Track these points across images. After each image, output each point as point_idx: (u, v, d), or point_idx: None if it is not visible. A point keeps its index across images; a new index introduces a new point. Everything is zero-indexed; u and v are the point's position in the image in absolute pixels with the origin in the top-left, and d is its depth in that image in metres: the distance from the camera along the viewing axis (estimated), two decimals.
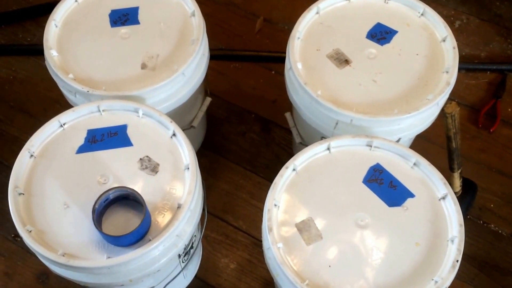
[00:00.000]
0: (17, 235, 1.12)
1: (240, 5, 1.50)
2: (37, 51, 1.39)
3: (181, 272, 0.90)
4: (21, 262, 1.11)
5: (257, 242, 1.10)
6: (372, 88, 0.86)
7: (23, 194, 0.77)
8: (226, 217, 1.14)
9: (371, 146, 0.79)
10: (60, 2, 0.97)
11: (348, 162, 0.78)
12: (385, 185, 0.75)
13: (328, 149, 0.79)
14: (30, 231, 0.74)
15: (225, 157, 1.22)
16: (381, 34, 0.93)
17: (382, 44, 0.92)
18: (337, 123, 0.84)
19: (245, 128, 1.27)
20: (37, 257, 1.08)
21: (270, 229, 0.71)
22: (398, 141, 0.86)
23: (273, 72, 1.36)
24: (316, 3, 0.96)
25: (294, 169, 0.77)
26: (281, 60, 1.33)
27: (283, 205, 0.75)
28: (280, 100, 1.30)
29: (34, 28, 1.47)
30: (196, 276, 1.06)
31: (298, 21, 0.93)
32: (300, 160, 0.78)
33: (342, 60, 0.89)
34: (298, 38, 0.92)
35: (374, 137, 0.78)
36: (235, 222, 1.13)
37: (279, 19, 1.46)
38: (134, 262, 0.72)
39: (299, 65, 0.88)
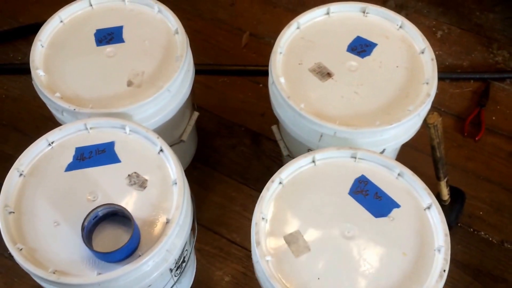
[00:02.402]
0: None
1: (227, 20, 1.52)
2: (28, 70, 1.39)
3: (174, 286, 0.90)
4: (18, 279, 1.11)
5: (250, 255, 1.10)
6: (354, 100, 0.88)
7: (13, 212, 0.78)
8: (220, 230, 1.15)
9: (355, 157, 0.80)
10: (46, 22, 0.98)
11: (333, 174, 0.79)
12: (370, 196, 0.76)
13: (313, 161, 0.80)
14: (21, 249, 0.74)
15: (217, 170, 1.23)
16: (361, 47, 0.94)
17: (362, 57, 0.93)
18: (321, 136, 0.85)
19: (236, 141, 1.28)
20: None
21: (258, 243, 0.72)
22: (383, 152, 0.87)
23: (260, 85, 1.37)
24: (296, 18, 0.97)
25: (280, 182, 0.79)
26: (268, 73, 1.35)
27: (270, 218, 0.76)
28: (268, 113, 1.31)
29: (24, 47, 1.48)
30: None
31: (279, 36, 0.95)
32: (286, 173, 0.79)
33: (324, 74, 0.91)
34: (280, 53, 0.93)
35: (358, 149, 0.80)
36: (229, 234, 1.14)
37: (264, 33, 1.48)
38: (125, 278, 0.72)
39: (282, 80, 0.89)
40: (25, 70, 1.41)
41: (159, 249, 0.73)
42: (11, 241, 0.75)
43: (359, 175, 0.79)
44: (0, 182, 1.21)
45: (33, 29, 1.45)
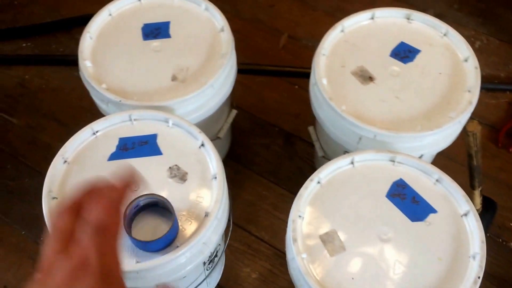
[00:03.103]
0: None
1: (266, 22, 1.53)
2: (69, 61, 1.44)
3: (205, 280, 0.92)
4: None
5: (279, 253, 1.12)
6: (395, 105, 0.88)
7: (56, 198, 0.80)
8: (249, 227, 1.16)
9: (394, 161, 0.81)
10: (95, 15, 1.01)
11: (371, 177, 0.80)
12: (408, 200, 0.77)
13: (352, 163, 0.81)
14: None
15: (249, 168, 1.25)
16: (404, 52, 0.95)
17: (405, 63, 0.94)
18: (360, 138, 0.86)
19: (269, 141, 1.29)
20: None
21: (295, 240, 0.74)
22: (420, 157, 0.87)
23: (296, 86, 1.38)
24: (341, 21, 0.98)
25: (318, 182, 0.80)
26: (304, 75, 1.36)
27: (307, 216, 0.77)
28: (303, 114, 1.33)
29: (66, 39, 1.51)
30: (218, 284, 1.08)
31: (324, 38, 0.96)
32: (325, 173, 0.80)
33: (366, 77, 0.91)
34: (323, 54, 0.94)
35: (398, 153, 0.80)
36: (258, 232, 1.15)
37: (302, 35, 1.49)
38: (162, 268, 0.74)
39: (324, 81, 0.90)
40: (65, 61, 1.46)
41: (197, 241, 0.75)
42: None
43: (397, 178, 0.79)
44: (37, 170, 1.27)
45: (76, 22, 1.50)
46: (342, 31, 0.98)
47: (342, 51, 0.96)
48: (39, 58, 1.47)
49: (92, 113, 1.30)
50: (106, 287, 0.35)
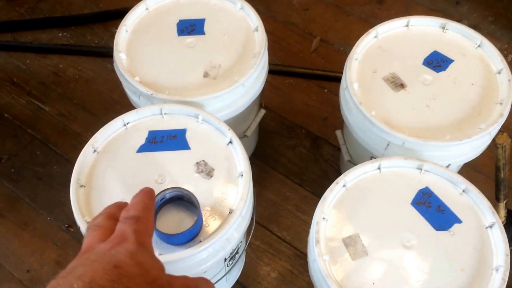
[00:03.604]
0: (70, 225, 1.19)
1: (299, 24, 1.54)
2: (103, 53, 1.47)
3: (225, 276, 0.93)
4: (73, 252, 1.16)
5: (299, 254, 1.13)
6: (425, 113, 0.88)
7: (84, 186, 0.82)
8: (271, 226, 1.17)
9: (421, 169, 0.80)
10: (132, 9, 1.02)
11: (397, 183, 0.80)
12: (433, 209, 0.76)
13: (379, 168, 0.81)
14: (88, 222, 0.77)
15: (274, 168, 1.26)
16: (437, 61, 0.95)
17: (437, 72, 0.93)
18: (388, 144, 0.86)
19: (295, 142, 1.30)
20: None
21: (317, 242, 0.74)
22: (447, 167, 0.87)
23: (325, 90, 1.39)
24: (376, 27, 0.98)
25: (344, 185, 0.80)
26: (334, 79, 1.37)
27: (331, 219, 0.77)
28: (331, 118, 1.33)
29: (102, 31, 1.54)
30: (237, 281, 1.09)
31: (357, 43, 0.96)
32: (351, 177, 0.80)
33: (397, 84, 0.91)
34: (356, 59, 0.94)
35: (425, 161, 0.80)
36: (279, 232, 1.16)
37: (335, 40, 1.50)
38: (184, 261, 0.75)
39: (355, 85, 0.91)
40: (100, 53, 1.48)
41: (219, 237, 0.76)
42: (79, 213, 0.78)
43: (424, 186, 0.79)
44: (66, 157, 1.29)
45: (112, 15, 1.52)
46: (376, 36, 0.98)
47: (375, 56, 0.96)
48: (74, 49, 1.50)
49: (122, 105, 1.33)
50: (141, 248, 0.40)
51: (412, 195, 0.78)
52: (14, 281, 1.13)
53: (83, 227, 0.77)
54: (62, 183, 1.25)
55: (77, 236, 1.18)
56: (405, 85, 0.91)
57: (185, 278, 0.42)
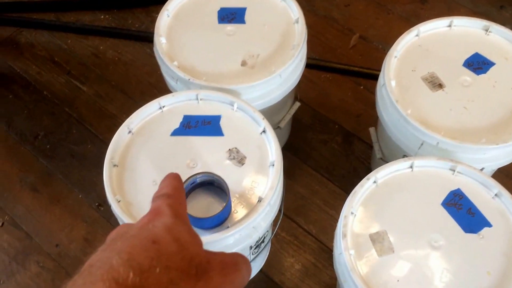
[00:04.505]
0: (101, 204, 1.21)
1: (339, 20, 1.53)
2: (143, 37, 1.49)
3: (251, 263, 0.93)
4: (101, 231, 1.18)
5: (324, 248, 1.13)
6: (462, 115, 0.87)
7: (117, 166, 0.83)
8: (298, 219, 1.17)
9: (454, 170, 0.80)
10: None
11: (429, 183, 0.79)
12: (463, 211, 0.76)
13: (411, 167, 0.81)
14: (119, 201, 0.79)
15: (304, 161, 1.26)
16: (478, 64, 0.93)
17: (478, 74, 0.92)
18: (422, 144, 0.85)
19: (328, 137, 1.30)
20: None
21: (344, 235, 0.74)
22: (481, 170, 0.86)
23: (361, 87, 1.38)
24: (418, 25, 0.97)
25: (374, 182, 0.80)
26: (371, 76, 1.36)
27: (359, 214, 0.77)
28: (365, 115, 1.32)
29: (143, 16, 1.56)
30: (261, 270, 1.10)
31: (397, 41, 0.95)
32: (382, 174, 0.80)
33: (435, 84, 0.90)
34: (395, 56, 0.94)
35: (459, 162, 0.79)
36: (306, 225, 1.16)
37: (374, 38, 1.48)
38: (210, 246, 0.76)
39: (393, 83, 0.90)
40: (140, 37, 1.50)
41: (247, 225, 0.76)
42: (111, 191, 0.80)
43: (455, 188, 0.78)
44: (100, 138, 1.32)
45: (155, 0, 1.54)
46: (417, 35, 0.97)
47: (415, 55, 0.95)
48: (115, 31, 1.52)
49: (158, 89, 1.34)
50: (178, 221, 0.41)
51: (443, 196, 0.77)
52: (43, 254, 1.16)
53: (114, 205, 0.79)
54: (95, 163, 1.28)
55: (107, 215, 1.20)
56: (443, 86, 0.90)
57: (222, 254, 0.41)
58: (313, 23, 1.50)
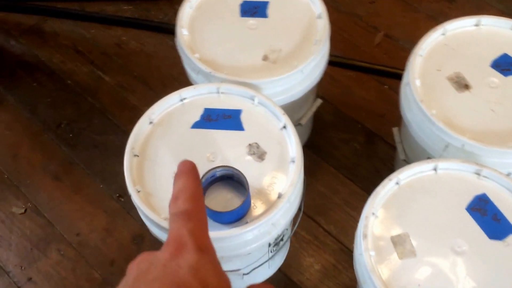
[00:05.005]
0: (121, 195, 1.21)
1: (363, 17, 1.51)
2: (166, 29, 1.48)
3: (267, 262, 0.92)
4: (121, 222, 1.18)
5: (345, 249, 1.11)
6: (489, 117, 0.85)
7: (138, 156, 0.83)
8: (318, 219, 1.15)
9: (479, 174, 0.77)
10: None
11: (453, 186, 0.77)
12: (488, 217, 0.73)
13: (435, 169, 0.79)
14: (139, 191, 0.79)
15: (325, 160, 1.24)
16: (506, 65, 0.91)
17: (506, 75, 0.89)
18: (447, 146, 0.83)
19: (350, 137, 1.28)
20: (135, 220, 1.16)
21: (365, 236, 0.72)
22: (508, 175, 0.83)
23: (385, 86, 1.36)
24: (444, 24, 0.95)
25: (397, 183, 0.78)
26: (396, 76, 1.33)
27: (380, 215, 0.75)
28: (388, 115, 1.30)
29: (166, 7, 1.55)
30: (279, 269, 1.08)
31: (422, 39, 0.93)
32: (405, 175, 0.78)
33: (462, 84, 0.88)
34: (420, 55, 0.91)
35: (485, 166, 0.77)
36: (326, 225, 1.15)
37: (399, 36, 1.46)
38: (229, 240, 0.75)
39: (417, 82, 0.88)
40: (162, 29, 1.49)
41: (266, 221, 0.75)
42: (131, 181, 0.79)
43: (481, 192, 0.76)
44: (123, 129, 1.31)
45: None
46: (443, 34, 0.94)
47: (440, 54, 0.92)
48: (137, 22, 1.52)
49: (179, 81, 1.34)
50: (203, 257, 0.38)
51: (467, 200, 0.75)
52: (64, 243, 1.16)
53: (134, 195, 0.78)
54: (116, 153, 1.26)
55: (127, 206, 1.20)
56: (469, 86, 0.88)
57: None
58: (336, 20, 1.47)
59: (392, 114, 1.29)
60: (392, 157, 1.23)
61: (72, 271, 1.13)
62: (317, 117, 1.28)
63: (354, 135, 1.28)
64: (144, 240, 1.15)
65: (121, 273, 1.14)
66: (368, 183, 1.19)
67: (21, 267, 1.14)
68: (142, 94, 1.38)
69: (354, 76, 1.38)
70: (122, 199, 1.21)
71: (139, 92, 1.39)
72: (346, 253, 1.11)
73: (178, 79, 1.38)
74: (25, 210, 1.22)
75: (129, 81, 1.41)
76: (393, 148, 1.21)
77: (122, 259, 1.13)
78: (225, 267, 0.89)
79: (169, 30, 1.47)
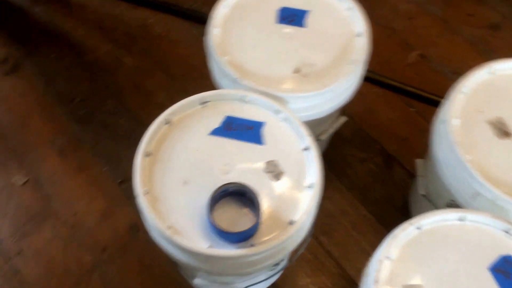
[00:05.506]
0: (123, 181, 1.17)
1: (400, 32, 1.45)
2: (193, 17, 1.43)
3: (268, 279, 0.89)
4: (119, 208, 1.15)
5: (344, 275, 1.07)
6: None
7: (151, 155, 0.79)
8: (322, 238, 1.11)
9: (508, 233, 0.73)
10: None
11: (478, 241, 0.72)
12: None
13: (462, 220, 0.74)
14: (147, 193, 0.75)
15: (338, 177, 1.19)
16: None
17: None
18: (477, 195, 0.78)
19: (367, 156, 1.23)
20: (133, 208, 1.12)
21: (377, 281, 0.68)
22: None
23: (412, 109, 1.30)
24: (493, 63, 0.89)
25: (418, 228, 0.73)
26: (426, 100, 1.28)
27: (396, 260, 0.71)
28: (411, 140, 1.25)
29: None
30: (274, 284, 1.04)
31: (467, 75, 0.87)
32: (427, 221, 0.73)
33: (502, 131, 0.83)
34: (463, 92, 0.86)
35: None
36: (329, 246, 1.10)
37: (435, 57, 1.40)
38: (233, 260, 0.72)
39: (456, 122, 0.82)
40: (190, 16, 1.44)
41: (274, 246, 0.71)
42: (141, 181, 0.76)
43: (507, 253, 0.71)
44: (135, 113, 1.27)
45: None
46: (491, 73, 0.89)
47: (485, 94, 0.87)
48: (165, 6, 1.47)
49: (201, 73, 1.28)
50: None
51: (491, 259, 0.71)
52: (59, 221, 1.14)
53: (141, 197, 0.75)
54: (124, 138, 1.24)
55: (127, 193, 1.16)
56: (511, 134, 0.83)
57: None
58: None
59: (415, 139, 1.24)
60: (408, 185, 1.18)
61: (62, 251, 1.10)
62: (336, 131, 1.23)
63: (371, 156, 1.23)
64: (139, 231, 1.11)
65: (112, 261, 1.11)
66: (379, 209, 1.14)
67: (14, 238, 1.12)
68: (159, 80, 1.34)
69: (381, 93, 1.33)
70: (123, 186, 1.18)
71: (156, 78, 1.34)
72: (345, 279, 1.06)
73: (200, 70, 1.31)
74: (26, 182, 1.19)
75: (148, 65, 1.37)
76: (411, 176, 1.17)
77: (114, 247, 1.10)
78: (220, 279, 0.86)
79: (197, 18, 1.42)
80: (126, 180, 1.17)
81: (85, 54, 1.39)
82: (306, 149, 0.80)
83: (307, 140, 0.79)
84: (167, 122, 0.82)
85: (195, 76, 1.31)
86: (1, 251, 1.10)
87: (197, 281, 0.87)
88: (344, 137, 1.25)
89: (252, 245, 0.71)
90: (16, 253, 1.10)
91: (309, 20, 0.95)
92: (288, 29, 0.94)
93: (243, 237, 0.72)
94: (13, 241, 1.11)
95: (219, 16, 0.94)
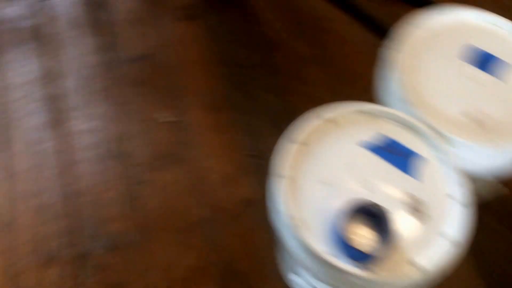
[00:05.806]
0: (255, 156, 1.19)
1: None
2: (374, 25, 1.38)
3: None
4: (242, 180, 1.17)
5: None
6: None
7: (302, 144, 0.78)
8: None
9: None
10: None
11: None
12: None
13: None
14: (288, 178, 0.75)
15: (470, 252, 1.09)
16: None
17: None
18: None
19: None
20: (253, 185, 1.14)
21: None
22: None
23: None
24: None
25: None
26: None
27: None
28: None
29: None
30: None
31: None
32: None
33: None
34: None
35: None
36: None
37: None
38: (345, 276, 0.70)
39: None
40: (369, 22, 1.38)
41: (390, 281, 0.69)
42: (288, 166, 0.76)
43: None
44: (288, 98, 1.26)
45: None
46: None
47: None
48: (350, 5, 1.45)
49: (361, 78, 1.23)
50: None
51: None
52: (185, 169, 1.17)
53: (284, 180, 0.74)
54: (269, 115, 1.26)
55: (254, 168, 1.18)
56: None
57: None
58: None
59: None
60: None
61: (177, 196, 1.14)
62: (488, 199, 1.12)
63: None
64: (249, 207, 1.12)
65: (217, 224, 1.07)
66: None
67: (141, 168, 1.17)
68: (319, 74, 1.32)
69: None
70: (254, 160, 1.19)
71: (317, 71, 1.33)
72: None
73: (361, 76, 1.24)
74: (167, 122, 1.24)
75: (314, 56, 1.36)
76: None
77: (223, 212, 1.12)
78: (318, 284, 0.83)
79: (377, 26, 1.37)
80: (257, 155, 1.19)
81: (258, 25, 1.41)
82: (459, 201, 0.74)
83: (463, 193, 0.74)
84: (322, 118, 0.81)
85: (353, 80, 1.28)
86: (127, 175, 1.15)
87: (293, 276, 0.86)
88: (492, 227, 1.13)
89: (367, 269, 0.69)
90: (138, 182, 1.15)
91: (506, 73, 0.88)
92: (476, 72, 0.88)
93: (364, 257, 0.70)
94: (140, 170, 1.17)
95: (404, 36, 0.91)
